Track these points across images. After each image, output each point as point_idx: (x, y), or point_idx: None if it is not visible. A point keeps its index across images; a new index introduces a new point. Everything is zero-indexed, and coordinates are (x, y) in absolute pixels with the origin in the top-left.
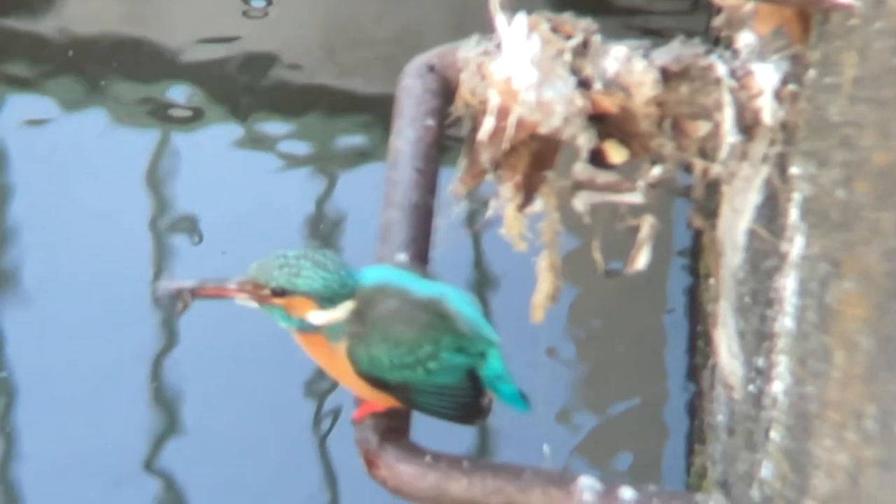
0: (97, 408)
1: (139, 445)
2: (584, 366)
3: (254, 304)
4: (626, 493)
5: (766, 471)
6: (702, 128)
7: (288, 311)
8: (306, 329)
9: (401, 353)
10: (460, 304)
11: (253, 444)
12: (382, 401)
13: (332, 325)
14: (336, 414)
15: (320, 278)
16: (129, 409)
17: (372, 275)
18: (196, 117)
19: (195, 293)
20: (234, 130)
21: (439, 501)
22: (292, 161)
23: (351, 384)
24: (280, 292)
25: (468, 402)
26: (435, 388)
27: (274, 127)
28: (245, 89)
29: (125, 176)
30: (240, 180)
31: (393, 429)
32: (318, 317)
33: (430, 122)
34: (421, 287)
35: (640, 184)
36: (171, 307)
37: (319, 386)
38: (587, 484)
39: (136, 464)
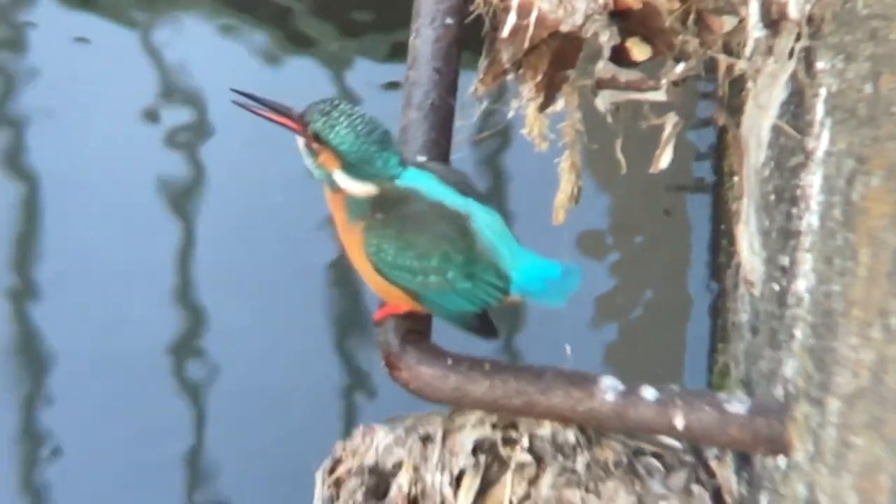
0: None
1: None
2: (605, 265)
3: (300, 144)
4: (648, 392)
5: (789, 369)
6: (727, 23)
7: (318, 160)
8: (333, 187)
9: (408, 256)
10: (488, 227)
11: (272, 345)
12: (395, 297)
13: (354, 199)
14: (359, 320)
15: (351, 141)
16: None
17: (413, 175)
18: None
19: (264, 105)
20: None
21: (461, 403)
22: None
23: (359, 267)
24: (315, 137)
25: (477, 319)
26: (435, 307)
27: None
28: None
29: None
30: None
31: (414, 331)
32: (341, 178)
33: (450, 20)
34: (454, 200)
35: (664, 81)
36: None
37: (344, 289)
38: (609, 384)
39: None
